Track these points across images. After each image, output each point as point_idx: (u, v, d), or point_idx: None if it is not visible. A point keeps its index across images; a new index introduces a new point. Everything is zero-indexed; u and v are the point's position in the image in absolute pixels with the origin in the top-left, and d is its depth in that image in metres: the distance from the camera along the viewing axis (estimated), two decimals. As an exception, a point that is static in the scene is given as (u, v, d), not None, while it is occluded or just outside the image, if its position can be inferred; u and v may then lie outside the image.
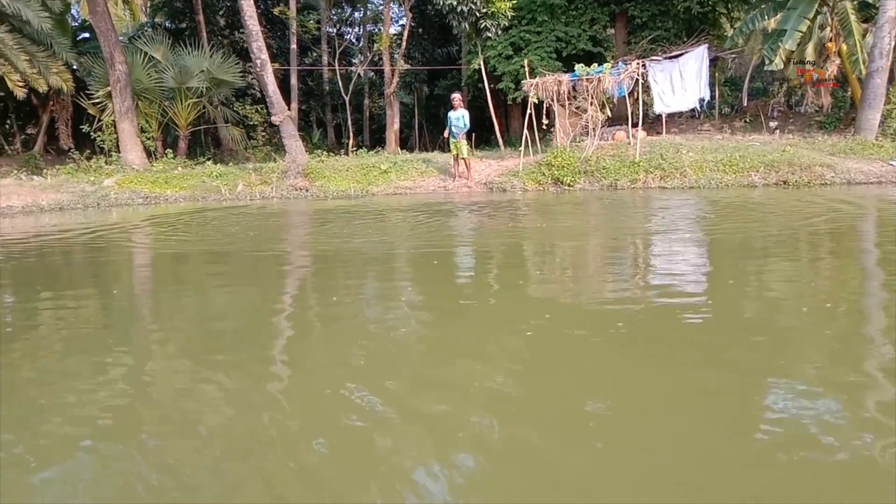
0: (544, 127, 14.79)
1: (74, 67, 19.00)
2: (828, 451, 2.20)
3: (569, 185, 13.19)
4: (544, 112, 14.55)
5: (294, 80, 24.13)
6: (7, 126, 21.97)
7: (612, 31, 20.60)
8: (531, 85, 14.40)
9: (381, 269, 6.08)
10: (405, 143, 26.12)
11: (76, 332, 4.27)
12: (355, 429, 2.53)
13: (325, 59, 26.71)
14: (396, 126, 22.27)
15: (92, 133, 18.32)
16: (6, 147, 20.46)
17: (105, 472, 2.29)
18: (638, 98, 14.24)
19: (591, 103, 13.87)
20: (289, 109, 23.26)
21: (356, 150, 18.83)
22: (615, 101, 15.21)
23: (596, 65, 14.34)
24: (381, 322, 4.24)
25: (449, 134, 14.05)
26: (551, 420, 2.57)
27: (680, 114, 17.76)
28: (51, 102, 19.59)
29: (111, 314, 4.77)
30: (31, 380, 3.29)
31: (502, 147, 17.76)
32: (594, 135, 13.95)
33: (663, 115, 16.25)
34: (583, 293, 4.73)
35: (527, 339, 3.61)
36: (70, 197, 12.84)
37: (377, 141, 25.50)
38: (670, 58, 15.52)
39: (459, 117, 13.87)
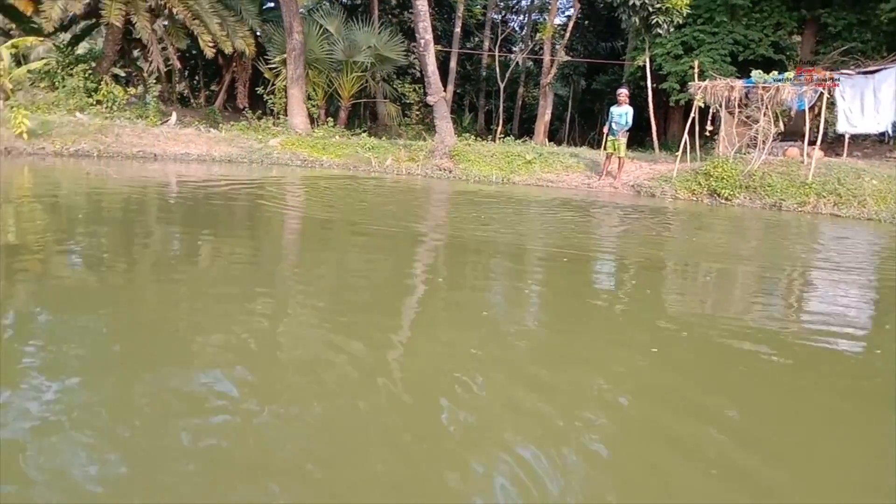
0: (706, 134, 13.86)
1: (258, 34, 20.50)
2: None
3: (726, 199, 12.28)
4: (709, 118, 13.62)
5: (453, 63, 24.48)
6: (195, 81, 24.29)
7: (799, 38, 18.82)
8: (699, 88, 13.51)
9: (511, 261, 5.98)
10: (554, 136, 25.71)
11: (229, 270, 4.61)
12: (461, 411, 2.48)
13: (486, 44, 26.83)
14: (547, 117, 21.93)
15: (265, 95, 19.76)
16: (192, 100, 22.61)
17: (226, 423, 2.41)
18: (819, 113, 12.88)
19: (765, 114, 12.76)
20: (444, 91, 23.73)
21: (503, 138, 18.79)
22: (792, 114, 13.90)
23: (776, 72, 13.16)
24: (503, 313, 4.15)
25: (608, 130, 13.54)
26: (672, 443, 2.36)
27: (866, 136, 15.89)
28: (234, 64, 21.32)
29: (261, 259, 5.09)
30: (180, 313, 3.57)
31: (657, 150, 16.91)
32: (763, 148, 12.84)
33: (846, 136, 14.60)
34: (725, 319, 4.35)
35: (654, 356, 3.36)
36: (239, 151, 13.94)
37: (526, 130, 25.30)
38: (865, 73, 13.87)
39: (622, 114, 13.30)
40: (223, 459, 2.04)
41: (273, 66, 19.78)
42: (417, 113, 23.07)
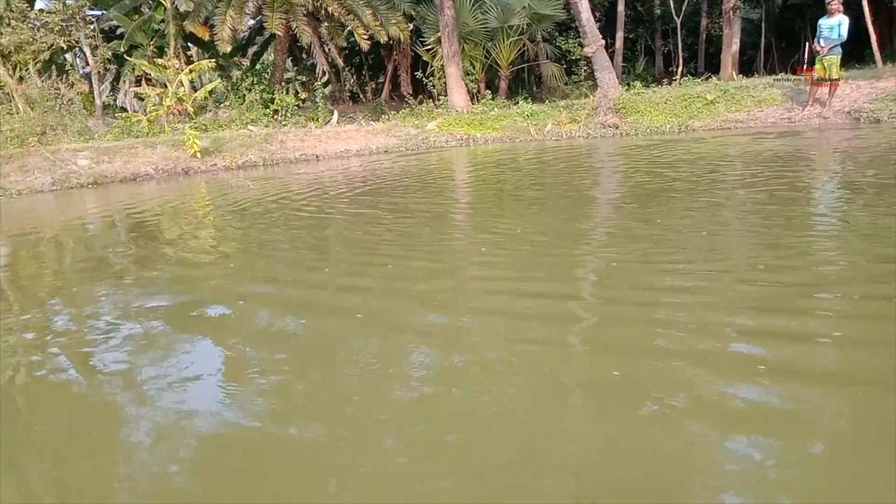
0: (950, 31, 10.77)
1: (413, 17, 20.39)
2: None
3: None
4: (952, 9, 10.56)
5: (621, 7, 22.37)
6: (363, 76, 25.08)
7: None
8: (934, -27, 10.49)
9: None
10: (749, 67, 22.38)
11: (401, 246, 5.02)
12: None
13: (657, -22, 24.18)
14: (735, 48, 19.06)
15: (424, 79, 19.64)
16: (361, 96, 23.36)
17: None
18: None
19: None
20: (611, 39, 21.69)
21: (681, 80, 16.59)
22: None
23: None
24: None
25: (819, 47, 10.98)
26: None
27: None
28: (394, 52, 21.51)
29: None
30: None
31: (880, 63, 13.71)
32: None
33: None
34: None
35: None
36: (395, 141, 13.83)
37: (713, 66, 22.35)
38: None
39: (834, 26, 10.67)
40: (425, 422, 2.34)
41: (429, 46, 19.54)
42: (586, 68, 21.40)
